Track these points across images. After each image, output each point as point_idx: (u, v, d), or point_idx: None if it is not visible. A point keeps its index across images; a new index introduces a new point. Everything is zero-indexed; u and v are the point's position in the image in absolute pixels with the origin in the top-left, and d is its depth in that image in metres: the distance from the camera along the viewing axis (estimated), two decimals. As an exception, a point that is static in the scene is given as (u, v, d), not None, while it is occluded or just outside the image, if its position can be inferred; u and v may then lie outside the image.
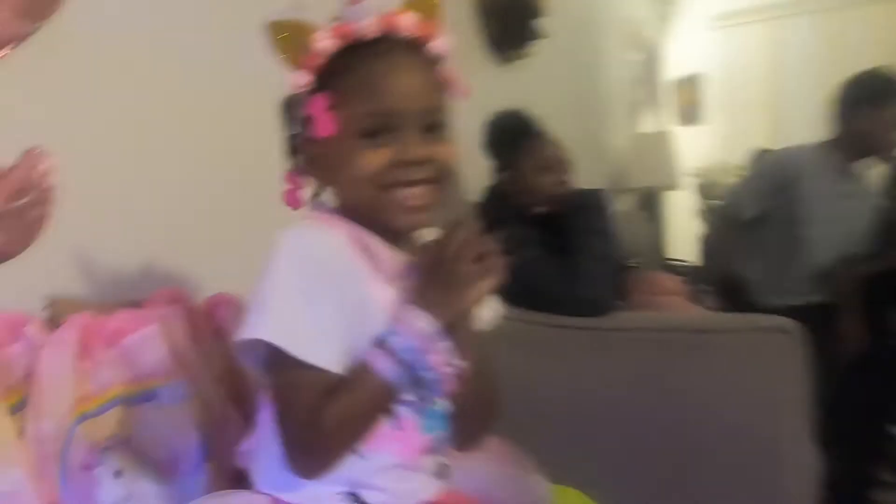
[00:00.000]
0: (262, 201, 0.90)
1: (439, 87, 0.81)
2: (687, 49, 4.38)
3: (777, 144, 3.26)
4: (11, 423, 0.79)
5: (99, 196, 1.15)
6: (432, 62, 0.81)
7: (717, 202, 3.54)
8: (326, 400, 0.71)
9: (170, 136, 1.26)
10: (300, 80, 0.77)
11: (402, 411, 0.78)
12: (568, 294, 1.53)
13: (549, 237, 1.66)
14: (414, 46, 0.79)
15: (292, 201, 0.81)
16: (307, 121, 0.78)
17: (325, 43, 0.76)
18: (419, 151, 0.77)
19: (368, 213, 0.79)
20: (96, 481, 0.82)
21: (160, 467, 0.88)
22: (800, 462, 1.29)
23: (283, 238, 0.73)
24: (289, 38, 0.77)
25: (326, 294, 0.72)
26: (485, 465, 0.90)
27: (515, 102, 1.90)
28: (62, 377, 0.83)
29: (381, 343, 0.73)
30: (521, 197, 1.75)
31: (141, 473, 0.86)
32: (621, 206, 3.61)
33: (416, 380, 0.74)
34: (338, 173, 0.79)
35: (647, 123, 3.94)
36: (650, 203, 3.82)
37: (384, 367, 0.72)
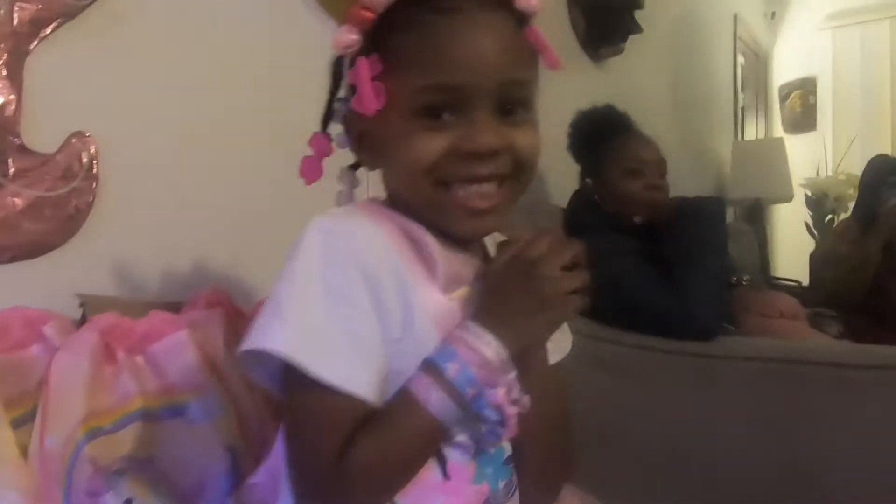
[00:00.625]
0: (326, 201, 0.77)
1: (524, 55, 0.64)
2: (797, 51, 4.04)
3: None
4: (12, 438, 0.69)
5: (143, 187, 1.06)
6: (517, 22, 0.63)
7: (829, 215, 3.22)
8: (355, 437, 0.55)
9: (221, 125, 1.16)
10: (345, 37, 0.62)
11: (452, 455, 0.61)
12: (673, 314, 1.31)
13: (648, 248, 1.46)
14: (493, 0, 0.62)
15: (309, 171, 0.67)
16: (353, 89, 0.63)
17: None
18: (491, 139, 0.60)
19: (421, 211, 0.63)
20: (105, 510, 0.70)
21: (181, 495, 0.76)
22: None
23: (309, 228, 0.58)
24: (335, -16, 0.63)
25: (360, 300, 0.56)
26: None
27: (611, 103, 1.71)
28: (73, 386, 0.72)
29: (431, 368, 0.57)
30: (611, 204, 1.55)
31: (157, 502, 0.74)
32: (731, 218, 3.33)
33: (473, 418, 0.58)
34: (386, 159, 0.64)
35: (754, 130, 3.63)
36: (755, 216, 3.51)
37: (434, 399, 0.56)
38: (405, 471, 0.58)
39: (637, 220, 1.50)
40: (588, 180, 1.65)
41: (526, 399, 0.59)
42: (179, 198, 1.09)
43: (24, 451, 0.70)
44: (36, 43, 0.95)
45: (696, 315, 1.30)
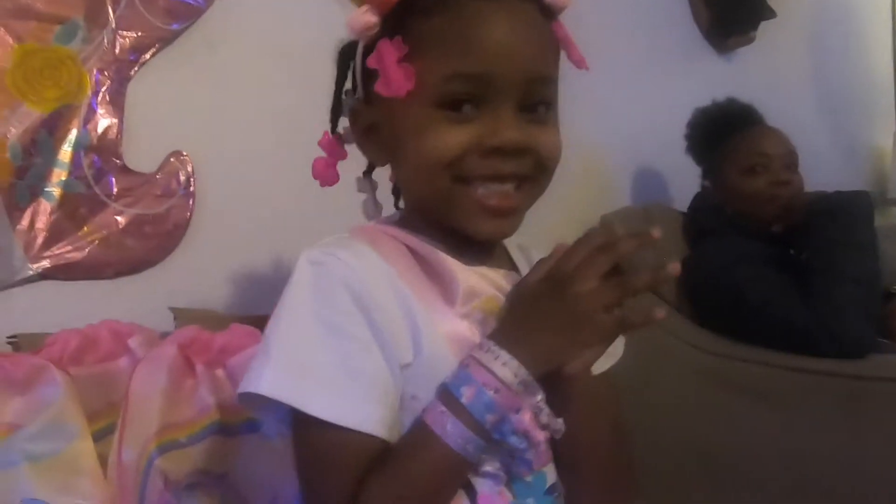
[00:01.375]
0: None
1: (552, 51, 0.59)
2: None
3: None
4: (93, 450, 0.70)
5: (237, 203, 1.08)
6: (548, 14, 0.59)
7: None
8: (368, 476, 0.50)
9: (310, 144, 1.16)
10: (363, 19, 0.58)
11: (482, 486, 0.54)
12: (812, 328, 1.14)
13: (781, 253, 1.30)
14: None
15: (324, 174, 0.65)
16: (368, 76, 0.59)
17: None
18: (518, 135, 0.55)
19: (435, 209, 0.58)
20: (177, 526, 0.70)
21: (257, 513, 0.74)
22: None
23: (298, 262, 0.55)
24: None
25: (356, 330, 0.52)
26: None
27: (740, 97, 1.56)
28: (151, 398, 0.73)
29: (445, 395, 0.51)
30: (735, 205, 1.40)
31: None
32: (882, 220, 2.95)
33: (497, 446, 0.51)
34: (399, 151, 0.59)
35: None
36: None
37: (451, 429, 0.50)
38: None
39: (774, 228, 1.34)
40: (706, 182, 1.51)
41: (559, 423, 0.51)
42: (270, 213, 1.10)
43: (104, 463, 0.72)
44: (136, 69, 1.00)
45: (840, 328, 1.12)
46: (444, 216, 0.58)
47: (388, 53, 0.55)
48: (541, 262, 0.55)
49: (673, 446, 1.12)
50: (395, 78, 0.55)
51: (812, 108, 2.54)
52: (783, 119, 1.55)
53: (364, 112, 0.62)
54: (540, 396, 0.50)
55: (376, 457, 0.51)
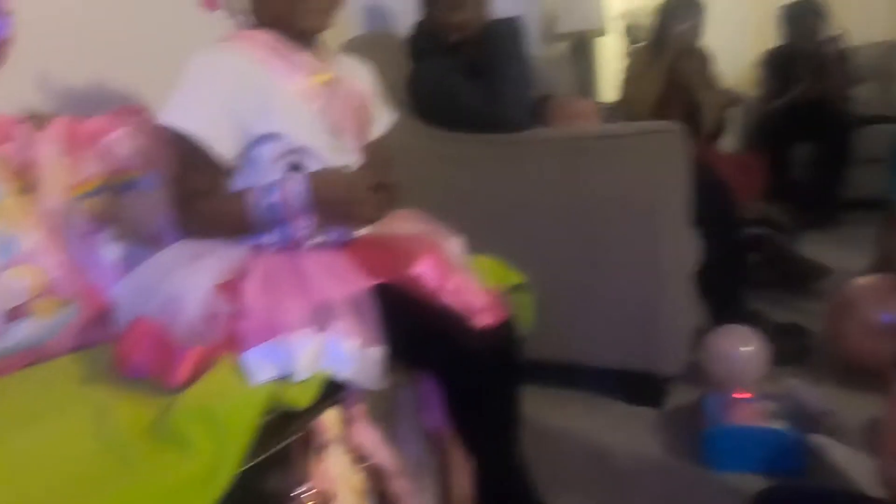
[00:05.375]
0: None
1: None
2: None
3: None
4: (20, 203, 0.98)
5: (55, 20, 1.26)
6: None
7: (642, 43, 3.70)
8: (202, 198, 0.94)
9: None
10: None
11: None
12: (487, 113, 1.73)
13: (469, 64, 1.84)
14: None
15: (209, 2, 0.99)
16: None
17: None
18: None
19: (280, 18, 0.97)
20: (98, 245, 1.03)
21: (147, 240, 1.09)
22: (676, 234, 1.59)
23: (194, 56, 0.93)
24: None
25: (226, 96, 0.93)
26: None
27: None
28: (57, 165, 1.01)
29: (265, 189, 0.95)
30: (441, 31, 1.89)
31: (133, 242, 1.07)
32: (554, 51, 3.75)
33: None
34: None
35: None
36: (583, 48, 3.96)
37: (255, 201, 0.95)
38: (225, 233, 0.97)
39: (456, 38, 1.85)
40: (426, 10, 1.96)
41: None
42: (86, 30, 1.31)
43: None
44: None
45: (502, 113, 1.72)
46: (286, 22, 0.98)
47: None
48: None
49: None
50: None
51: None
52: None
53: None
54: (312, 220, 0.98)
55: (215, 181, 0.95)
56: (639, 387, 1.65)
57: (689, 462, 1.42)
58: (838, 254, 2.43)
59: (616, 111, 2.89)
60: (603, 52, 4.15)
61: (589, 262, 1.60)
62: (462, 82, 1.79)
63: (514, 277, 1.22)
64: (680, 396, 1.66)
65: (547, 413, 1.60)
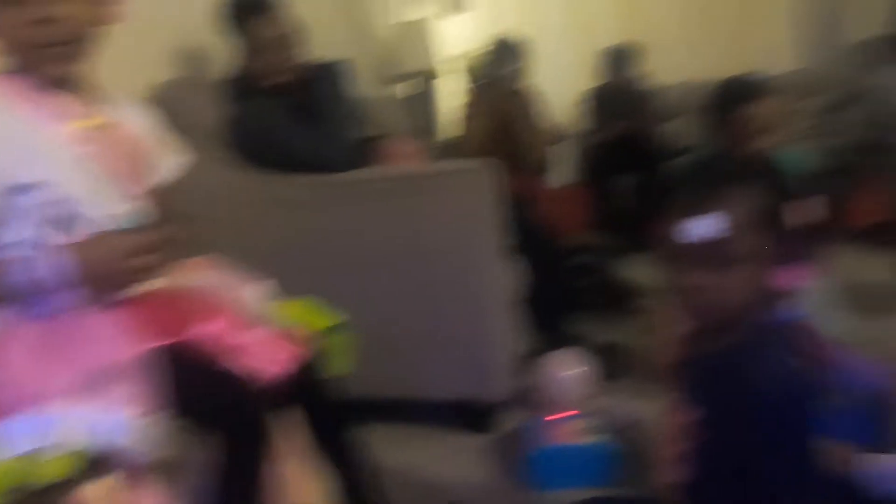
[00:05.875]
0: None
1: None
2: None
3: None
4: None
5: None
6: None
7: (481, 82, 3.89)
8: None
9: None
10: None
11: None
12: (310, 154, 1.74)
13: (293, 107, 1.85)
14: None
15: None
16: None
17: None
18: (52, 10, 0.90)
19: (28, 65, 0.94)
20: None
21: None
22: (491, 267, 1.67)
23: None
24: None
25: None
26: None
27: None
28: None
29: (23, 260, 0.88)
30: (259, 74, 1.89)
31: None
32: (393, 92, 3.86)
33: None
34: None
35: (412, 12, 4.15)
36: (424, 89, 4.10)
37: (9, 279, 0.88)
38: None
39: (276, 81, 1.86)
40: (238, 52, 1.95)
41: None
42: None
43: None
44: None
45: (330, 156, 1.74)
46: (33, 69, 0.94)
47: None
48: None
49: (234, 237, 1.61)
50: None
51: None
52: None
53: None
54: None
55: None
56: (469, 415, 1.70)
57: (517, 485, 1.47)
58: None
59: (452, 149, 3.02)
60: (444, 92, 4.32)
61: (414, 299, 1.64)
62: (285, 124, 1.79)
63: (330, 319, 1.22)
64: (512, 422, 1.72)
65: (385, 449, 1.60)
